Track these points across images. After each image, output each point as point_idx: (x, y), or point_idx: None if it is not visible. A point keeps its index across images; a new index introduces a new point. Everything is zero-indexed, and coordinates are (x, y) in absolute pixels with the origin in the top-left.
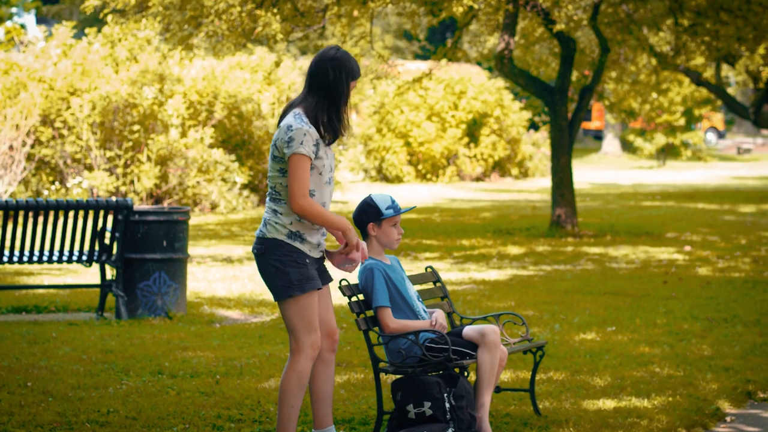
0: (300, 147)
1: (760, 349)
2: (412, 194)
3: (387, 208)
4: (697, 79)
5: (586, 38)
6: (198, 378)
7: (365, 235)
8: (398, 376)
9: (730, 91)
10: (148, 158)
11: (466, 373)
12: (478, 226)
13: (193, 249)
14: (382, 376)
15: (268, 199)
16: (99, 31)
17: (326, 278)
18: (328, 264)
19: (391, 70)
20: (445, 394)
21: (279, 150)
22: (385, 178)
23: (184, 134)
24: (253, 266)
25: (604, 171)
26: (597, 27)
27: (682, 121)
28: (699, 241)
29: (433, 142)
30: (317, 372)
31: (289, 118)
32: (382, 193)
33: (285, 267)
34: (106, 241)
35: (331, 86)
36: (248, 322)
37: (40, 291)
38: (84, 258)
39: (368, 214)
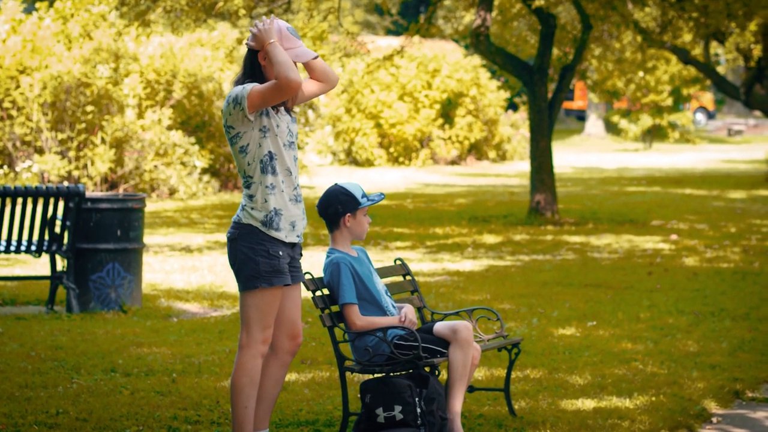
0: (244, 88)
1: (749, 345)
2: (383, 179)
3: (362, 197)
4: (685, 57)
5: (567, 14)
6: (153, 376)
7: (336, 227)
8: (366, 376)
9: (720, 69)
10: (103, 141)
11: (437, 372)
12: (453, 213)
13: (150, 238)
14: (349, 375)
15: (243, 187)
16: (50, 5)
17: (297, 277)
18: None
19: (360, 47)
20: (417, 398)
21: (234, 125)
22: (355, 162)
23: (140, 115)
24: (213, 256)
25: (586, 154)
26: (578, 2)
27: (669, 102)
28: (686, 229)
29: (406, 123)
30: (270, 372)
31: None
32: (348, 180)
33: (255, 256)
34: (57, 230)
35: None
36: (207, 317)
37: None
38: (33, 248)
39: (344, 204)
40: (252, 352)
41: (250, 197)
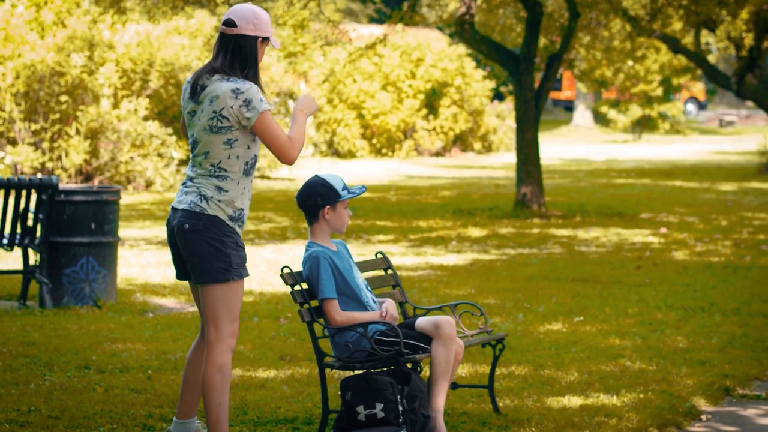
0: (262, 103)
1: (740, 340)
2: (365, 171)
3: (342, 189)
4: (675, 46)
5: (554, 1)
6: (128, 373)
7: (315, 219)
8: (347, 373)
9: (711, 58)
10: (77, 132)
11: (419, 369)
12: (437, 206)
13: (125, 231)
14: (328, 371)
15: (202, 175)
16: None
17: None
18: None
19: (342, 36)
20: (399, 396)
21: (230, 119)
22: (337, 153)
23: (116, 105)
24: None
25: (574, 145)
26: None
27: (659, 92)
28: (676, 222)
29: (389, 114)
30: (196, 357)
31: (224, 84)
32: (329, 172)
33: (226, 248)
34: (29, 223)
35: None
36: (184, 312)
37: None
38: (5, 241)
39: (323, 196)
40: (222, 347)
41: (220, 190)
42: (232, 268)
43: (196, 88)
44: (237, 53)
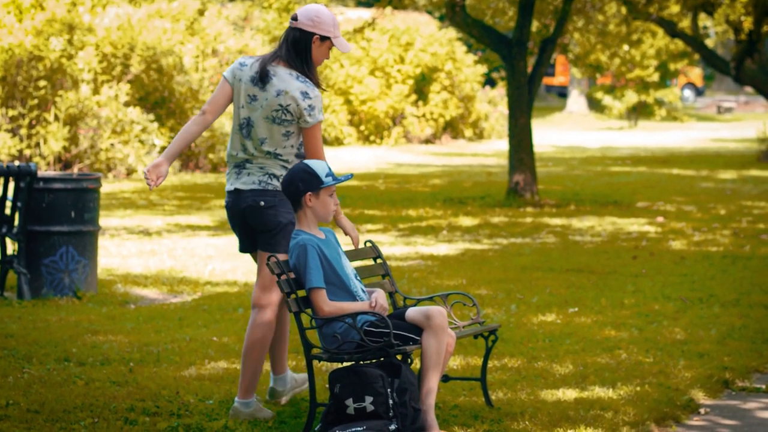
0: (320, 114)
1: (739, 332)
2: (353, 158)
3: (326, 176)
4: (672, 30)
5: None
6: (109, 366)
7: (299, 206)
8: (335, 365)
9: (709, 43)
10: (56, 118)
11: (409, 361)
12: (427, 195)
13: (106, 220)
14: (316, 363)
15: (262, 157)
16: None
17: None
18: None
19: None
20: (389, 389)
21: (294, 114)
22: (324, 140)
23: (96, 91)
24: (173, 240)
25: (568, 132)
26: None
27: (655, 77)
28: (673, 211)
29: (377, 100)
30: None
31: (294, 82)
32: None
33: (294, 222)
34: (7, 211)
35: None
36: (167, 303)
37: None
38: None
39: (305, 182)
40: (271, 310)
41: (284, 169)
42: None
43: (264, 75)
44: (294, 46)
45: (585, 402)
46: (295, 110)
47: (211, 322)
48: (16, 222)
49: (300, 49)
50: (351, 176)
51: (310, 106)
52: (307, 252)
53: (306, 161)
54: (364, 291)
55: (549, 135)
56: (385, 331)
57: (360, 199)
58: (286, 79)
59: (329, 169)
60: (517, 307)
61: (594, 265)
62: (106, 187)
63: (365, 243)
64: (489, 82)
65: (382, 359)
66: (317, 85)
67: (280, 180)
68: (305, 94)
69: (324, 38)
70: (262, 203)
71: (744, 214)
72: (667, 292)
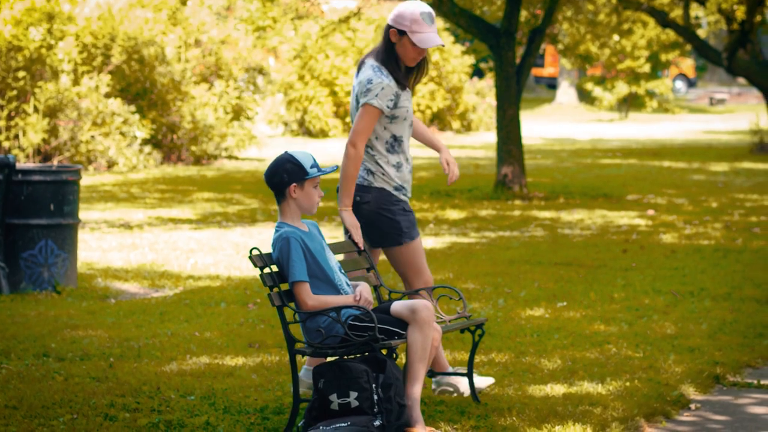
0: (374, 99)
1: (730, 326)
2: (338, 150)
3: (311, 167)
4: (664, 20)
5: None
6: (89, 361)
7: (283, 198)
8: (318, 360)
9: (701, 33)
10: (36, 109)
11: (394, 355)
12: (414, 187)
13: (86, 213)
14: (300, 358)
15: (365, 152)
16: None
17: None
18: None
19: (314, 9)
20: (374, 384)
21: (359, 102)
22: (308, 132)
23: (76, 82)
24: (154, 233)
25: (558, 124)
26: None
27: (646, 68)
28: (664, 204)
29: None
30: None
31: (368, 71)
32: (300, 150)
33: (395, 216)
34: None
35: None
36: (148, 297)
37: None
38: None
39: (290, 173)
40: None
41: (378, 165)
42: (403, 232)
43: (358, 67)
44: (382, 39)
45: (573, 397)
46: (359, 96)
47: (193, 316)
48: None
49: (384, 41)
50: (336, 168)
51: (367, 89)
52: (290, 244)
53: (290, 151)
54: (348, 284)
55: (538, 127)
56: (369, 326)
57: None
58: (365, 69)
59: (314, 160)
60: (504, 301)
61: (583, 259)
62: (87, 180)
63: (347, 237)
64: (477, 73)
65: (366, 354)
66: (399, 81)
67: (376, 176)
68: (369, 81)
69: (402, 32)
70: (358, 198)
71: (736, 207)
72: (657, 286)
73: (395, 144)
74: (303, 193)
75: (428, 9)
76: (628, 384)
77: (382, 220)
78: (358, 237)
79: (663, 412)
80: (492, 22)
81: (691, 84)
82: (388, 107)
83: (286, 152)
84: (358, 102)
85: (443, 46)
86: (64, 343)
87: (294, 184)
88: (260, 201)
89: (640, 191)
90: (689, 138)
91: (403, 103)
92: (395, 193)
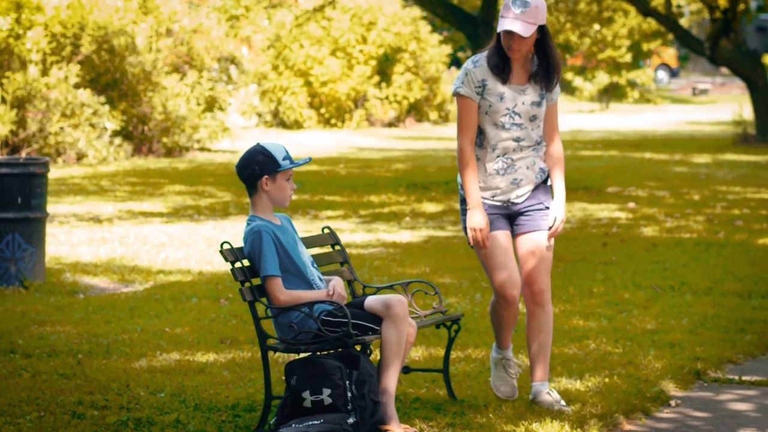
0: (458, 87)
1: (712, 321)
2: (313, 142)
3: (283, 159)
4: (645, 9)
5: None
6: (57, 357)
7: (255, 191)
8: (291, 356)
9: (683, 22)
10: (3, 100)
11: (368, 351)
12: (390, 180)
13: (55, 207)
14: (272, 355)
15: None
16: None
17: (524, 226)
18: None
19: None
20: (347, 381)
21: None
22: (283, 124)
23: (45, 72)
24: (125, 227)
25: None
26: None
27: (628, 58)
28: (645, 196)
29: (338, 81)
30: (526, 322)
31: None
32: (273, 141)
33: (463, 215)
34: None
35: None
36: (117, 292)
37: None
38: None
39: (262, 165)
40: (494, 294)
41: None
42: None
43: None
44: None
45: None
46: None
47: (163, 312)
48: None
49: None
50: (309, 159)
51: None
52: (262, 238)
53: (262, 143)
54: (321, 279)
55: None
56: (343, 321)
57: (320, 184)
58: None
59: (287, 152)
60: (482, 296)
61: (562, 253)
62: (55, 173)
63: (323, 229)
64: (455, 62)
65: (340, 350)
66: (493, 67)
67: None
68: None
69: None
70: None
71: (718, 200)
72: (637, 281)
73: (480, 140)
74: (275, 186)
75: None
76: (607, 380)
77: (463, 221)
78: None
79: (642, 409)
80: (469, 11)
81: (673, 74)
82: (477, 94)
83: (258, 144)
84: None
85: (518, 34)
86: (32, 340)
87: (266, 176)
88: (233, 194)
89: (621, 183)
90: (671, 129)
91: (487, 97)
92: (461, 191)
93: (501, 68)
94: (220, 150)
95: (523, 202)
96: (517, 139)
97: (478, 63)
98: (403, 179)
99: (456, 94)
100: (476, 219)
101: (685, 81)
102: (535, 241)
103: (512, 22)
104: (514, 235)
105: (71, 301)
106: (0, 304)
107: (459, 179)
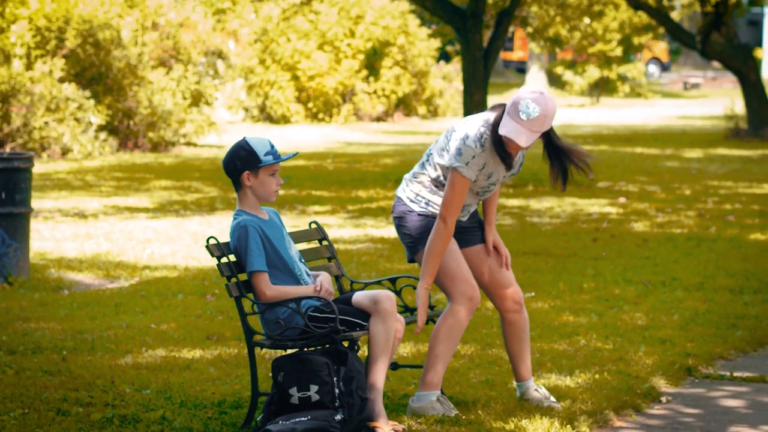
0: (462, 167)
1: (703, 317)
2: (300, 137)
3: (266, 154)
4: (636, 2)
5: None
6: (41, 354)
7: (240, 186)
8: (278, 352)
9: (674, 15)
10: None
11: (356, 347)
12: (378, 175)
13: (39, 202)
14: (258, 351)
15: None
16: None
17: (466, 240)
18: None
19: None
20: (335, 378)
21: (449, 144)
22: (270, 118)
23: (29, 66)
24: (110, 222)
25: None
26: None
27: (618, 52)
28: (636, 191)
29: (326, 75)
30: (503, 330)
31: (473, 126)
32: (259, 136)
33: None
34: None
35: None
36: (103, 288)
37: None
38: None
39: (243, 160)
40: (455, 307)
41: None
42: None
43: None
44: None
45: None
46: (451, 143)
47: (149, 308)
48: None
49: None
50: (295, 154)
51: (458, 150)
52: (248, 233)
53: (246, 137)
54: (308, 274)
55: None
56: (330, 317)
57: (308, 179)
58: (474, 120)
59: (271, 146)
60: None
61: (552, 248)
62: (40, 168)
63: (310, 224)
64: (443, 56)
65: (327, 346)
66: (499, 159)
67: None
68: (466, 138)
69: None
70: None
71: (710, 195)
72: (628, 276)
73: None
74: (257, 181)
75: (538, 107)
76: (597, 376)
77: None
78: (422, 320)
79: (633, 405)
80: (458, 4)
81: (664, 68)
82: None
83: (243, 138)
84: (447, 140)
85: (520, 146)
86: (16, 336)
87: (247, 171)
88: (219, 189)
89: (612, 178)
90: (662, 123)
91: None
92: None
93: (503, 158)
94: (206, 145)
95: (466, 220)
96: (481, 195)
97: (484, 146)
98: (392, 174)
99: (457, 171)
100: (426, 299)
101: (677, 75)
102: (487, 250)
103: (518, 132)
104: (462, 249)
105: (56, 297)
106: None
107: (425, 251)
